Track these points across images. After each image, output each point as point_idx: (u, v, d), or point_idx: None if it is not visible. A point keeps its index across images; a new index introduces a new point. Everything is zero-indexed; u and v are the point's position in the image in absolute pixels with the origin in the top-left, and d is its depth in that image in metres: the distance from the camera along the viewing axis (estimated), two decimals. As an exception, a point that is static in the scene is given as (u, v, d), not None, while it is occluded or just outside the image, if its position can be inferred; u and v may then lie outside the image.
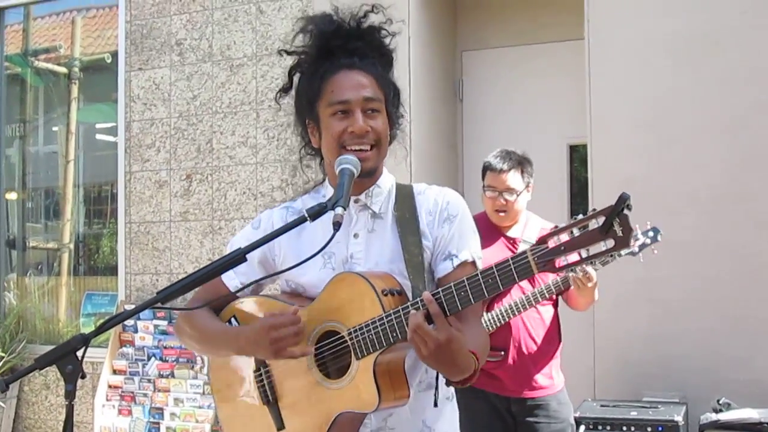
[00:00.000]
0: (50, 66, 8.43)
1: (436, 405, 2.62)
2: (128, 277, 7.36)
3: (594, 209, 2.19)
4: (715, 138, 5.69)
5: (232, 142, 7.01)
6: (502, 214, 4.78)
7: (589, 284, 4.49)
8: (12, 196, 8.51)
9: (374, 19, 2.72)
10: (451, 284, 2.38)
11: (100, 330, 2.29)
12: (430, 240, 2.65)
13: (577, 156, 6.74)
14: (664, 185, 5.72)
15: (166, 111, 7.28)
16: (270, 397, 2.70)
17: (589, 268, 4.48)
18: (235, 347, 2.68)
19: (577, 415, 5.13)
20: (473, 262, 2.63)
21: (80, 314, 7.80)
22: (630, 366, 5.78)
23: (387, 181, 2.74)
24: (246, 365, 2.77)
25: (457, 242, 2.63)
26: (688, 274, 5.70)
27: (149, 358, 6.89)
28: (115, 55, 7.73)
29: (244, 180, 6.96)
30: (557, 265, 2.22)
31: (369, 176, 2.65)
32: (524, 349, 4.72)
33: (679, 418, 5.09)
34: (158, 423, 6.72)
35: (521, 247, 4.77)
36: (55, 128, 8.58)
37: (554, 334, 4.85)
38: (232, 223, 6.95)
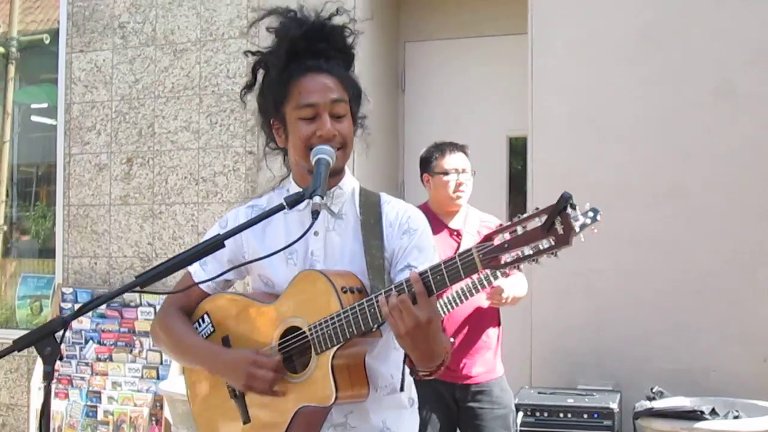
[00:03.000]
0: (-14, 45, 8.32)
1: (402, 389, 2.69)
2: (66, 260, 7.30)
3: (537, 208, 2.27)
4: (653, 134, 5.84)
5: (174, 127, 7.00)
6: (460, 194, 4.88)
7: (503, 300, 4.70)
8: (-55, 175, 8.39)
9: (338, 19, 2.77)
10: (403, 282, 2.43)
11: (79, 313, 2.33)
12: (387, 251, 2.71)
13: (514, 148, 6.86)
14: (601, 180, 5.85)
15: (107, 94, 7.24)
16: (237, 391, 2.75)
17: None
18: (210, 366, 2.76)
19: (515, 401, 5.24)
20: None
21: (16, 296, 7.72)
22: (565, 355, 5.92)
23: (349, 184, 2.81)
24: None
25: (416, 255, 2.69)
26: (624, 266, 5.85)
27: (87, 342, 6.85)
28: (54, 35, 7.65)
29: (186, 165, 6.95)
30: (501, 262, 2.29)
31: (335, 176, 2.71)
32: (470, 335, 4.84)
33: (614, 405, 5.24)
34: (95, 406, 6.70)
35: (464, 238, 4.88)
36: (-10, 108, 8.47)
37: (496, 320, 4.99)
38: (172, 208, 6.95)
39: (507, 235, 2.28)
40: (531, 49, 6.09)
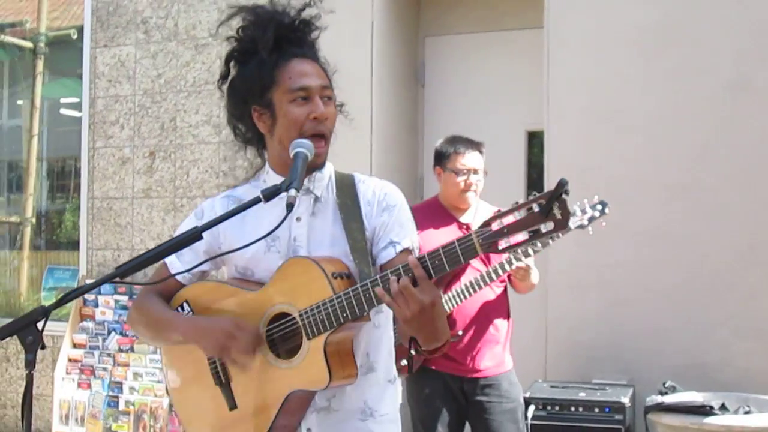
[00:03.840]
0: (16, 40, 8.43)
1: (412, 371, 2.71)
2: (90, 252, 7.41)
3: (534, 193, 2.30)
4: (668, 129, 5.83)
5: (196, 121, 7.08)
6: (471, 193, 4.89)
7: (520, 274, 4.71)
8: (-24, 168, 8.55)
9: (308, 12, 2.82)
10: (399, 268, 2.45)
11: (60, 302, 2.38)
12: (368, 229, 2.74)
13: (537, 142, 6.85)
14: (617, 174, 5.86)
15: (130, 88, 7.33)
16: (222, 378, 2.78)
17: (525, 260, 4.67)
18: (186, 331, 2.77)
19: (527, 395, 5.25)
20: (413, 251, 2.71)
21: (42, 288, 7.84)
22: (581, 349, 5.92)
23: (327, 168, 2.84)
24: (197, 348, 2.82)
25: (398, 230, 2.72)
26: (639, 261, 5.84)
27: (109, 333, 6.94)
28: (81, 30, 7.75)
29: (207, 158, 7.02)
30: (500, 247, 2.32)
31: (320, 170, 2.77)
32: (479, 328, 4.84)
33: (625, 400, 5.24)
34: (117, 397, 6.78)
35: (475, 232, 4.89)
36: (19, 102, 8.59)
37: (505, 313, 4.99)
38: (194, 201, 7.02)
39: (506, 221, 2.32)
40: (546, 43, 6.10)
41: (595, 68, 6.01)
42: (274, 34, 2.71)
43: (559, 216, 2.25)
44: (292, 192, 2.48)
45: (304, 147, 2.61)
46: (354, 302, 2.52)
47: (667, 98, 5.84)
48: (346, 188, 2.80)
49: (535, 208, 2.27)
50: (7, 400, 7.77)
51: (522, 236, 2.30)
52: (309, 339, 2.59)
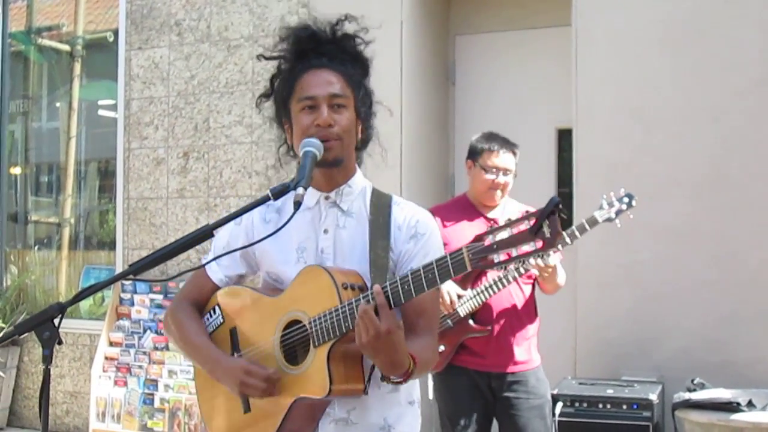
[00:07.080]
0: (53, 43, 8.57)
1: (366, 393, 2.72)
2: (126, 252, 7.51)
3: (527, 211, 2.33)
4: (698, 125, 5.81)
5: (229, 122, 7.16)
6: (498, 192, 4.89)
7: (545, 274, 4.67)
8: (16, 170, 8.68)
9: (349, 28, 2.85)
10: (396, 278, 2.53)
11: (76, 299, 2.46)
12: (394, 252, 2.78)
13: (567, 139, 6.85)
14: (646, 170, 5.84)
15: (164, 90, 7.42)
16: None
17: (549, 259, 4.65)
18: (209, 370, 2.85)
19: (555, 392, 5.25)
20: None
21: (79, 287, 7.95)
22: (610, 346, 5.92)
23: (359, 183, 2.87)
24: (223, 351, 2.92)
25: (421, 259, 2.71)
26: (669, 258, 5.83)
27: (145, 331, 7.05)
28: (117, 33, 7.85)
29: (240, 158, 7.10)
30: (490, 262, 2.36)
31: (335, 166, 2.78)
32: (507, 325, 4.83)
33: (653, 397, 5.22)
34: (152, 394, 6.88)
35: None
36: (57, 105, 8.72)
37: (533, 310, 4.98)
38: (227, 201, 7.10)
39: (497, 237, 2.35)
40: (575, 41, 6.10)
41: (623, 65, 6.00)
42: (296, 48, 2.80)
43: (548, 235, 2.27)
44: (300, 190, 2.53)
45: (312, 146, 2.66)
46: (355, 313, 2.55)
47: (695, 94, 5.82)
48: (382, 207, 2.83)
49: (527, 225, 2.30)
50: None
51: (512, 252, 2.33)
52: (315, 347, 2.65)
